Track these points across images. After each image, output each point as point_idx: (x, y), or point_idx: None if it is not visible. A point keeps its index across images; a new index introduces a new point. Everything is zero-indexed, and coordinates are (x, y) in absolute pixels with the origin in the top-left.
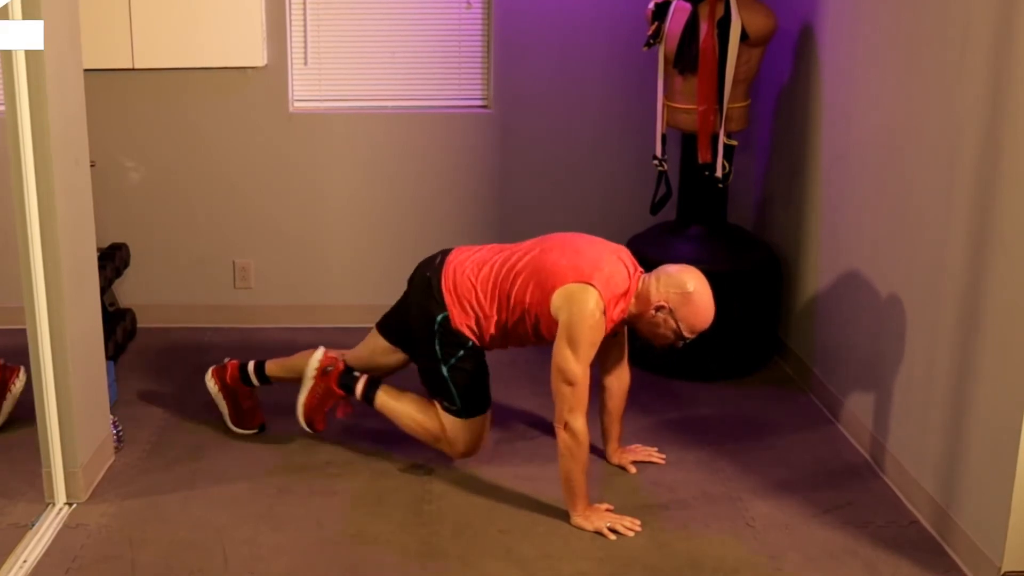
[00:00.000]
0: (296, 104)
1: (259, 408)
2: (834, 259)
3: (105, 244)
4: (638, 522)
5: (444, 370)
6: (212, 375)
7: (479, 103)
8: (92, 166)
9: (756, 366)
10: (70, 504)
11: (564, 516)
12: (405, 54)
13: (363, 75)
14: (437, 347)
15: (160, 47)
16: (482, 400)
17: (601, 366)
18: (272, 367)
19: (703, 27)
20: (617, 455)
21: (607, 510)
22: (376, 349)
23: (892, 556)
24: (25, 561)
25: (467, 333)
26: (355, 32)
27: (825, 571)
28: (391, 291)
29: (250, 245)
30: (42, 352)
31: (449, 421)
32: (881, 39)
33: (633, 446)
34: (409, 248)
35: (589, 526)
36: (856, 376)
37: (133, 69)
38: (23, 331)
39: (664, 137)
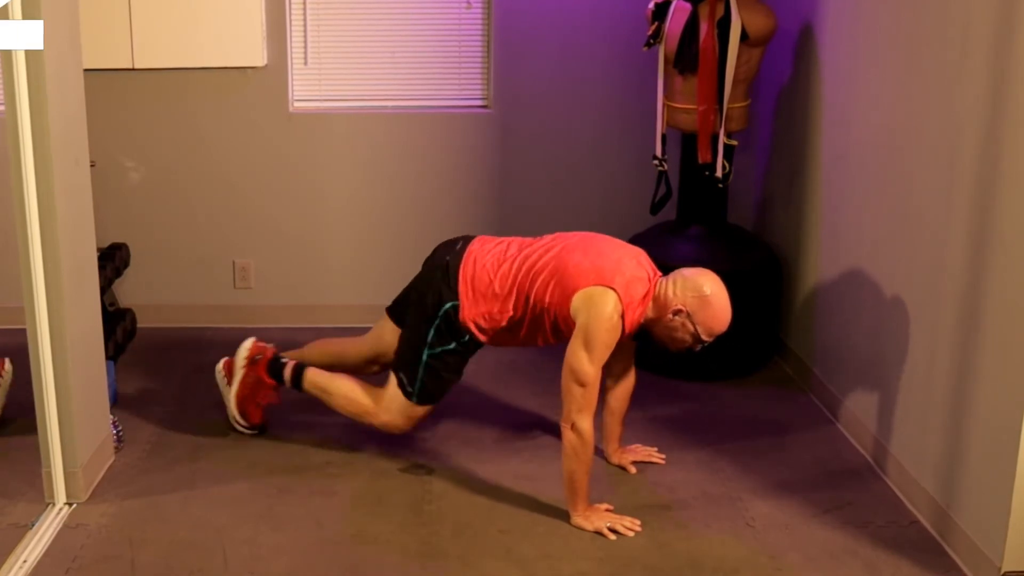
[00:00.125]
0: (296, 104)
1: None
2: (834, 259)
3: (105, 244)
4: (638, 522)
5: (424, 354)
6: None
7: (479, 103)
8: (92, 166)
9: (756, 366)
10: (70, 504)
11: (564, 516)
12: (405, 54)
13: (363, 75)
14: (431, 331)
15: (160, 47)
16: (438, 396)
17: (608, 367)
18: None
19: (703, 27)
20: (617, 455)
21: (607, 510)
22: (384, 330)
23: (892, 556)
24: (25, 561)
25: (471, 327)
26: (355, 32)
27: (825, 571)
28: (391, 291)
29: (250, 245)
30: (42, 352)
31: (396, 397)
32: (881, 39)
33: (633, 446)
34: (409, 248)
35: (589, 526)
36: (856, 376)
37: (133, 69)
38: (23, 331)
39: (664, 137)
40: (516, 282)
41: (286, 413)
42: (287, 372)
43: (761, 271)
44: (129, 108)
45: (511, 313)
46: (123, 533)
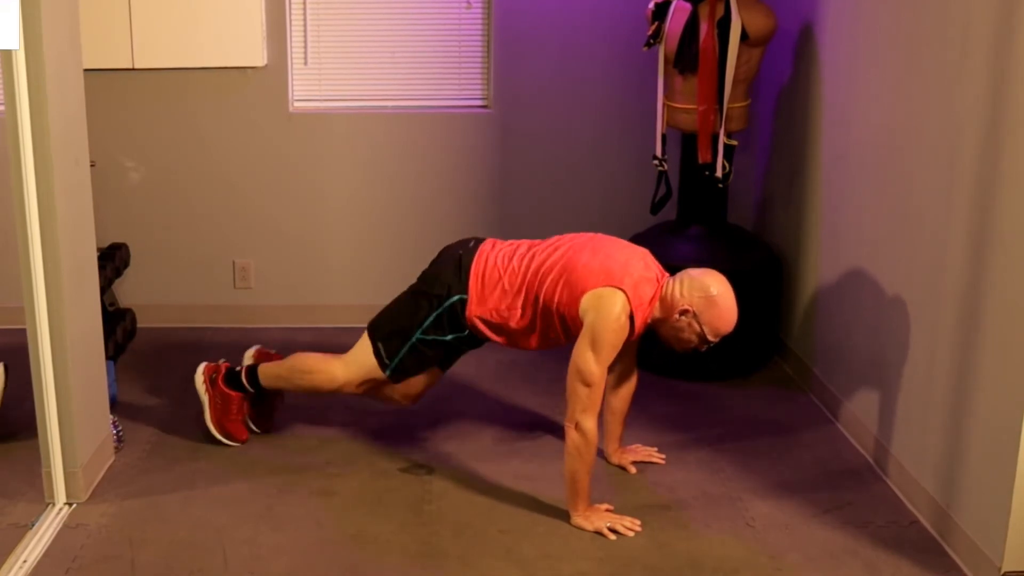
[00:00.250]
0: (296, 104)
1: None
2: (834, 259)
3: (105, 244)
4: (638, 522)
5: (415, 335)
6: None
7: (479, 103)
8: (92, 166)
9: (756, 366)
10: (70, 504)
11: (564, 516)
12: (405, 54)
13: (363, 75)
14: (431, 316)
15: (160, 47)
16: (408, 376)
17: (611, 366)
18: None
19: (703, 27)
20: (617, 455)
21: (607, 510)
22: (364, 350)
23: (892, 556)
24: (25, 561)
25: (476, 324)
26: (355, 32)
27: (825, 571)
28: (391, 291)
29: (250, 245)
30: (42, 352)
31: (363, 361)
32: (881, 39)
33: (633, 446)
34: (409, 248)
35: (589, 526)
36: (856, 376)
37: (133, 69)
38: (23, 331)
39: (664, 137)
40: (525, 281)
41: (286, 413)
42: (244, 377)
43: (761, 271)
44: (129, 108)
45: (519, 312)
46: (123, 533)
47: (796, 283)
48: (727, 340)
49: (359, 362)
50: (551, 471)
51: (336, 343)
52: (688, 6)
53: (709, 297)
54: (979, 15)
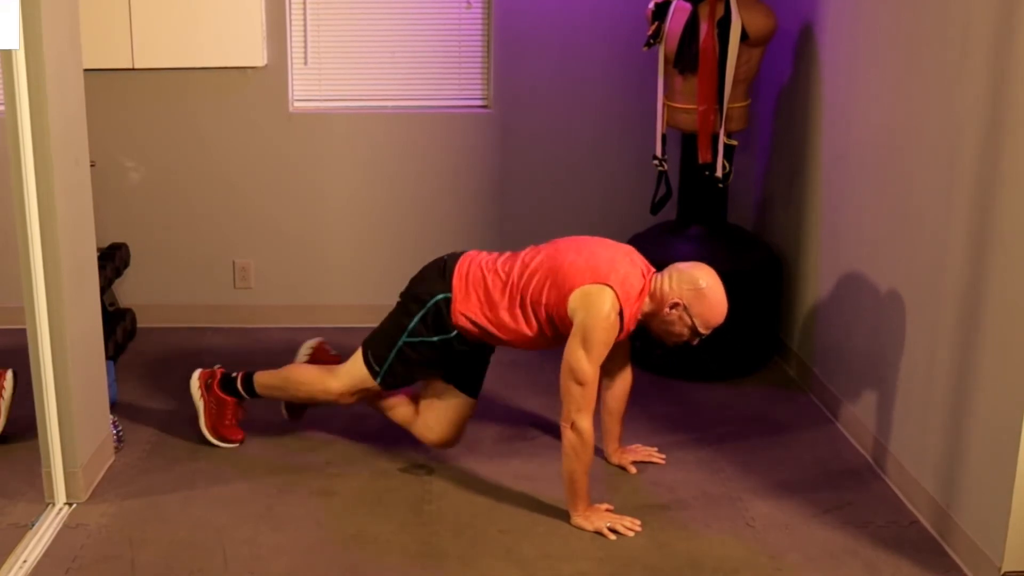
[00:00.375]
0: (296, 104)
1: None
2: (834, 259)
3: (105, 244)
4: (638, 522)
5: (402, 339)
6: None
7: (479, 103)
8: (92, 166)
9: (756, 366)
10: (70, 504)
11: (564, 516)
12: (405, 54)
13: (363, 75)
14: (416, 318)
15: (160, 47)
16: (401, 384)
17: (605, 366)
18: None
19: (703, 27)
20: (617, 455)
21: (607, 510)
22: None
23: (892, 556)
24: (25, 561)
25: (462, 323)
26: (355, 32)
27: (825, 571)
28: (391, 291)
29: (250, 245)
30: (42, 352)
31: (355, 371)
32: (881, 39)
33: (633, 446)
34: (409, 248)
35: (589, 526)
36: (856, 376)
37: (133, 69)
38: (23, 331)
39: (664, 137)
40: (509, 282)
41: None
42: (239, 384)
43: (761, 271)
44: (129, 108)
45: (506, 313)
46: (123, 533)
47: (796, 283)
48: (728, 340)
49: (351, 372)
50: (551, 471)
51: (336, 343)
52: (688, 6)
53: (698, 289)
54: (979, 15)
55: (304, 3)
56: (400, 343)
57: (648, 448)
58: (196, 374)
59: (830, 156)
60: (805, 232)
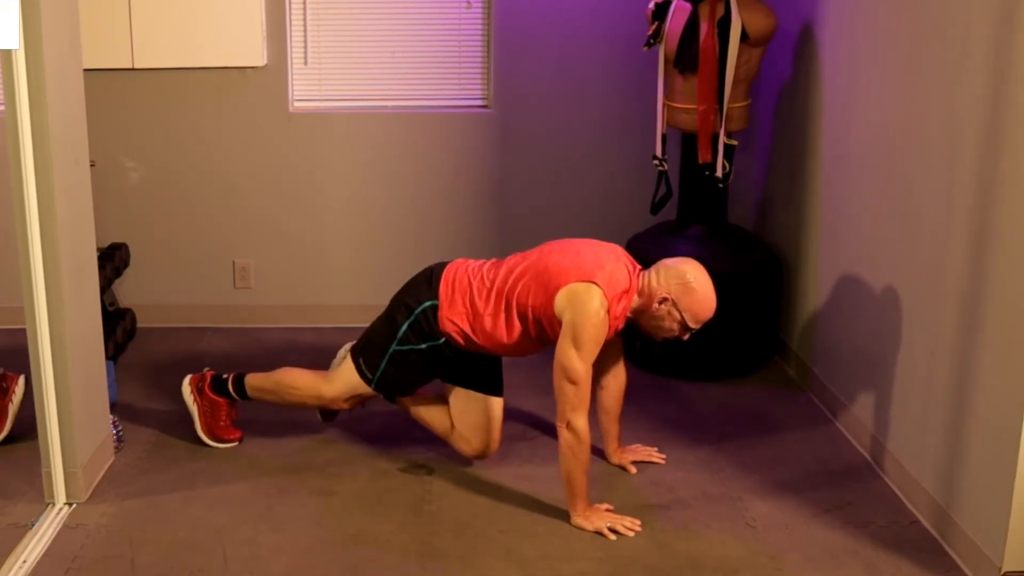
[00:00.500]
0: (296, 104)
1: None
2: (834, 259)
3: (105, 244)
4: (638, 522)
5: (391, 346)
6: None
7: (479, 103)
8: (92, 166)
9: (756, 366)
10: (70, 504)
11: (564, 516)
12: (405, 54)
13: (363, 75)
14: (405, 326)
15: (160, 47)
16: (394, 390)
17: (598, 366)
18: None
19: (703, 27)
20: (617, 455)
21: (607, 510)
22: (348, 371)
23: (892, 556)
24: (25, 561)
25: (449, 329)
26: (355, 32)
27: (825, 571)
28: (391, 291)
29: (250, 245)
30: (42, 352)
31: (348, 377)
32: (881, 39)
33: (633, 446)
34: (409, 248)
35: (589, 526)
36: (856, 376)
37: (133, 69)
38: (23, 331)
39: (664, 137)
40: (495, 287)
41: (286, 414)
42: (230, 386)
43: (761, 271)
44: (129, 108)
45: (490, 316)
46: (123, 533)
47: (796, 283)
48: (728, 340)
49: (344, 379)
50: (551, 471)
51: (336, 343)
52: (688, 6)
53: (686, 283)
54: (979, 15)
55: (304, 3)
56: (391, 350)
57: (648, 448)
58: (186, 380)
59: (830, 156)
60: (805, 232)
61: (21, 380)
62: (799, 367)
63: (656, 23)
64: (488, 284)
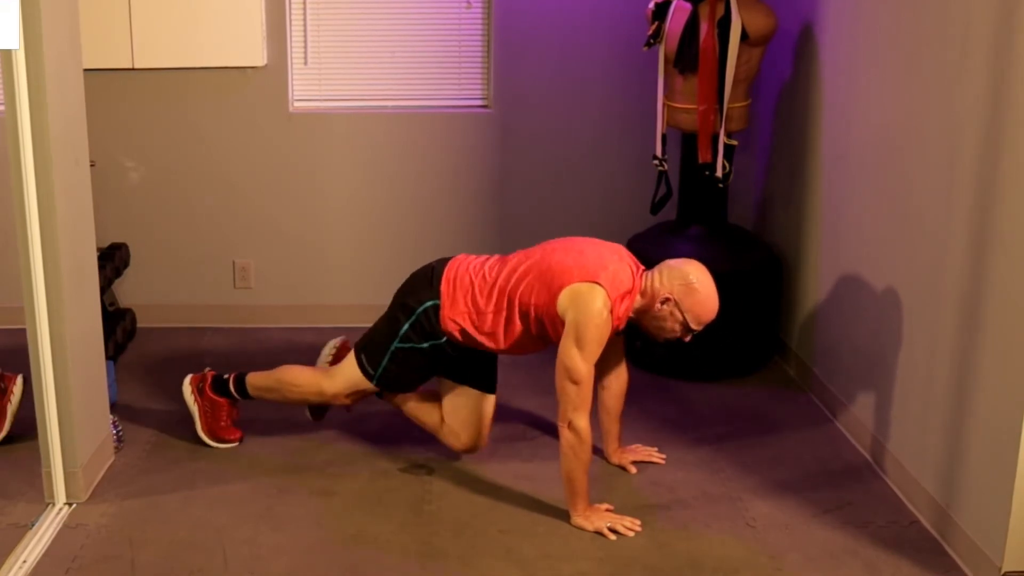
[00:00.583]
0: (296, 104)
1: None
2: (834, 259)
3: (105, 244)
4: (638, 522)
5: (393, 344)
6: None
7: (479, 103)
8: (92, 166)
9: (756, 366)
10: (70, 504)
11: (564, 516)
12: (405, 54)
13: (363, 75)
14: (407, 325)
15: (160, 47)
16: (395, 386)
17: (600, 365)
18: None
19: (703, 27)
20: (617, 455)
21: (607, 510)
22: (350, 367)
23: (892, 556)
24: (25, 561)
25: (450, 328)
26: (355, 32)
27: (825, 571)
28: (391, 291)
29: (250, 245)
30: (42, 352)
31: (349, 373)
32: (881, 39)
33: (633, 446)
34: (409, 248)
35: (589, 526)
36: (856, 376)
37: (133, 69)
38: (23, 331)
39: (664, 137)
40: (497, 284)
41: (286, 413)
42: (231, 386)
43: (761, 271)
44: (129, 108)
45: (492, 314)
46: (123, 533)
47: (796, 283)
48: (728, 340)
49: (345, 375)
50: (551, 471)
51: None
52: (688, 6)
53: (689, 284)
54: (979, 15)
55: (304, 3)
56: (392, 348)
57: (648, 448)
58: (187, 380)
59: (830, 156)
60: (805, 232)
61: (19, 380)
62: (799, 367)
63: (656, 23)
64: (490, 282)
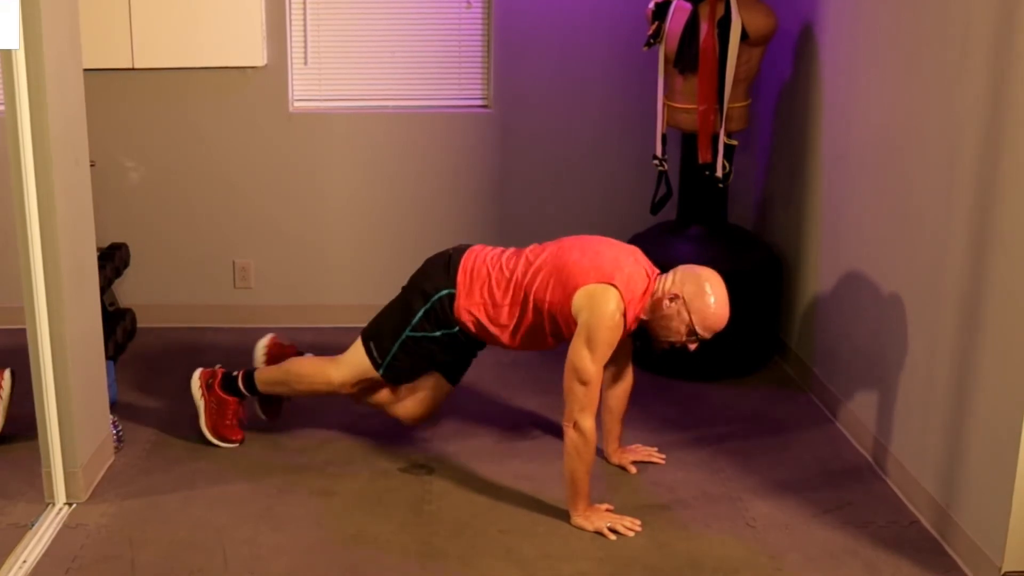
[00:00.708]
0: (296, 104)
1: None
2: (834, 259)
3: (105, 244)
4: (638, 522)
5: (404, 332)
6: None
7: (479, 103)
8: (92, 166)
9: (756, 366)
10: (70, 504)
11: (564, 516)
12: (405, 54)
13: (363, 75)
14: (420, 313)
15: (160, 47)
16: (402, 377)
17: (606, 366)
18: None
19: (703, 27)
20: (617, 455)
21: (607, 510)
22: (359, 354)
23: (892, 556)
24: (25, 561)
25: (464, 319)
26: (355, 32)
27: (825, 571)
28: (391, 291)
29: (250, 245)
30: (42, 352)
31: (357, 361)
32: (881, 39)
33: (633, 446)
34: (409, 248)
35: (589, 526)
36: (856, 376)
37: (133, 69)
38: (23, 331)
39: (664, 137)
40: (514, 278)
41: (286, 413)
42: (240, 382)
43: (761, 271)
44: (129, 108)
45: (507, 307)
46: (123, 533)
47: (796, 283)
48: (728, 340)
49: (352, 363)
50: (551, 471)
51: (336, 343)
52: (688, 6)
53: (701, 287)
54: (979, 15)
55: (304, 3)
56: (404, 336)
57: (648, 448)
58: (197, 373)
59: (830, 156)
60: (805, 232)
61: (7, 374)
62: (799, 367)
63: (656, 23)
64: (507, 275)
